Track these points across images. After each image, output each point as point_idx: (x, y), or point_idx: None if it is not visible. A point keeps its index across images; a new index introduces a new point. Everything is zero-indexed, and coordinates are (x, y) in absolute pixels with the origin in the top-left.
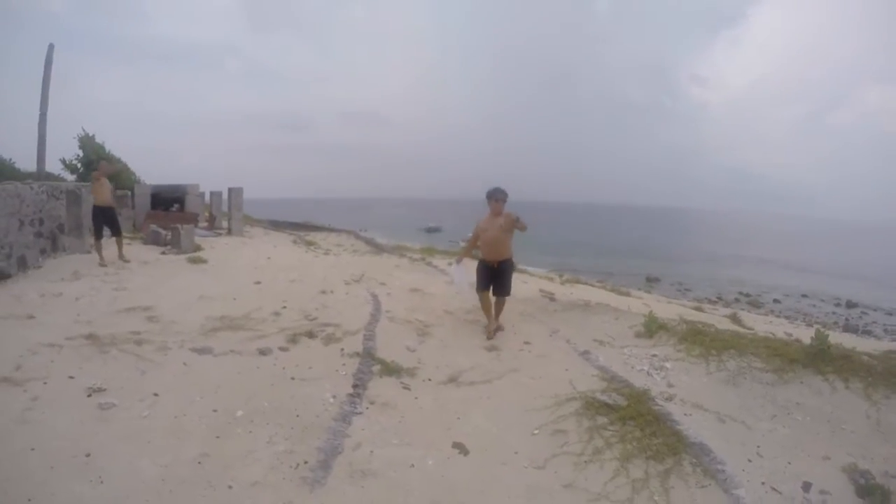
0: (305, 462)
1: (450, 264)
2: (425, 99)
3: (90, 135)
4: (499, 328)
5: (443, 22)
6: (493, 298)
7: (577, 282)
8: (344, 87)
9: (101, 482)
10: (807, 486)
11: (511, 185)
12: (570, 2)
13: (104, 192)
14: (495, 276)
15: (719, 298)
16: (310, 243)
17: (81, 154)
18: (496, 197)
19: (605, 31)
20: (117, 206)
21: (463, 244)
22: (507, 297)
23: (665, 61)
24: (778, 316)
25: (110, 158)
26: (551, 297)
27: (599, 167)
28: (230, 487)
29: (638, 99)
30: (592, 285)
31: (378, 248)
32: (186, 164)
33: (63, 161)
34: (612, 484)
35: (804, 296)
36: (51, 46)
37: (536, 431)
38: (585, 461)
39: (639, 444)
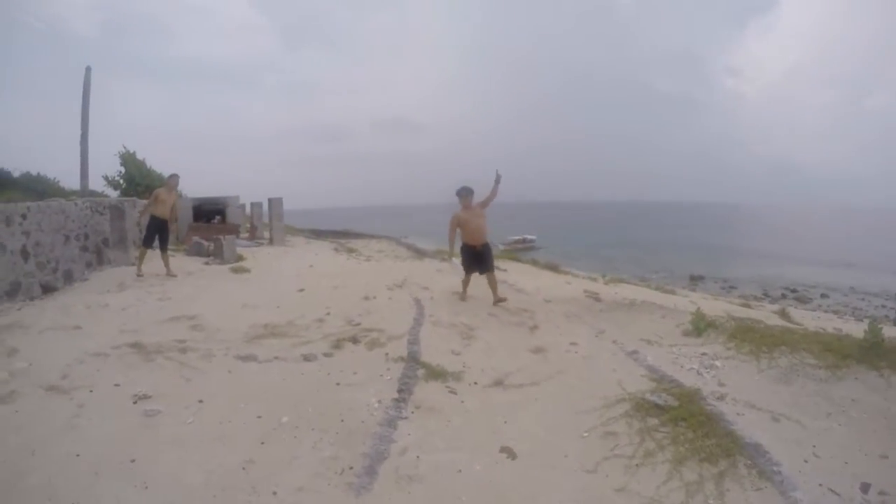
0: (351, 468)
1: (443, 260)
2: (456, 102)
3: (131, 152)
4: (501, 300)
5: (468, 24)
6: (485, 279)
7: (621, 281)
8: (376, 96)
9: (146, 488)
10: (865, 487)
11: (549, 185)
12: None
13: (165, 205)
14: (480, 257)
15: (765, 295)
16: (351, 251)
17: (123, 170)
18: (463, 194)
19: (633, 25)
20: (172, 221)
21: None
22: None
23: (697, 53)
24: (826, 311)
25: (152, 174)
26: (596, 298)
27: (639, 164)
28: (274, 493)
29: (673, 93)
30: (636, 284)
31: (420, 254)
32: (227, 179)
33: (105, 178)
34: (665, 487)
35: (852, 289)
36: (88, 69)
37: (586, 434)
38: (637, 464)
39: (691, 445)
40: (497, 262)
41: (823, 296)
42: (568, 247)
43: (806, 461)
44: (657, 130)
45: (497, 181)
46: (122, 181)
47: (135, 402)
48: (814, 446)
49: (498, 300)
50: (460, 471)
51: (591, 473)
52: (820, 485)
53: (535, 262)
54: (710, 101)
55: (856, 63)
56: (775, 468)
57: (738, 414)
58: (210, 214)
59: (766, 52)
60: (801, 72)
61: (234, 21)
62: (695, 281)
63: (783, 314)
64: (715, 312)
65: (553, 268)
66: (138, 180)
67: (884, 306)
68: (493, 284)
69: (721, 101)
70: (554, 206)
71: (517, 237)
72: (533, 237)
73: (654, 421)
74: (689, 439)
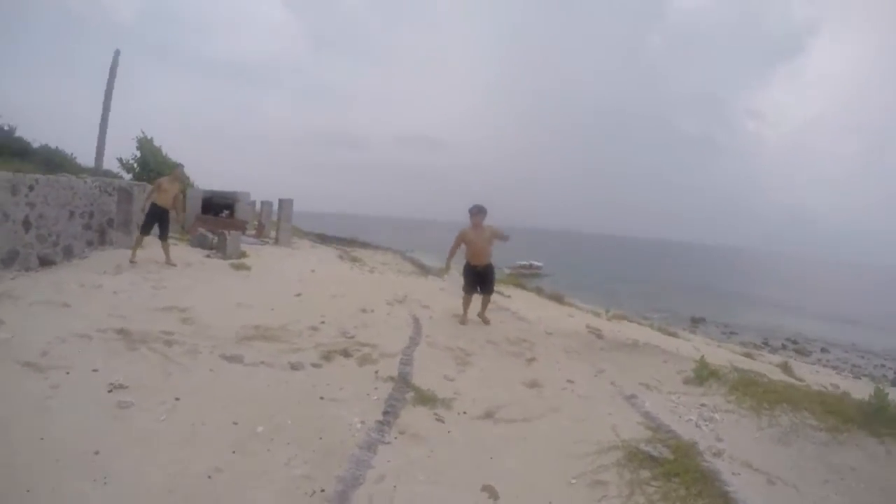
0: (322, 490)
1: (444, 279)
2: (478, 126)
3: (149, 137)
4: (485, 320)
5: (497, 55)
6: (480, 297)
7: (623, 318)
8: (400, 109)
9: (105, 483)
10: None
11: (569, 214)
12: (625, 36)
13: (167, 195)
14: (481, 277)
15: (765, 344)
16: (355, 259)
17: (139, 155)
18: (475, 212)
19: (659, 65)
20: (175, 210)
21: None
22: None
23: (720, 95)
24: (825, 365)
25: (167, 162)
26: (598, 334)
27: (655, 201)
28: None
29: (694, 133)
30: (639, 323)
31: (424, 270)
32: (241, 175)
33: (120, 160)
34: None
35: (853, 345)
36: (117, 52)
37: (574, 481)
38: None
39: None
40: (501, 288)
41: (824, 350)
42: (575, 277)
43: None
44: (680, 170)
45: (506, 238)
46: (136, 165)
47: (109, 391)
48: None
49: (483, 317)
50: None
51: None
52: None
53: (539, 291)
54: (731, 143)
55: (882, 114)
56: None
57: (733, 473)
58: (219, 208)
59: (790, 98)
60: (825, 121)
61: (263, 20)
62: (696, 323)
63: (786, 368)
64: (717, 361)
65: (557, 298)
66: (152, 166)
67: (883, 365)
68: (485, 303)
69: (742, 143)
70: (570, 235)
71: (524, 262)
72: (540, 264)
73: (646, 473)
74: (680, 497)
